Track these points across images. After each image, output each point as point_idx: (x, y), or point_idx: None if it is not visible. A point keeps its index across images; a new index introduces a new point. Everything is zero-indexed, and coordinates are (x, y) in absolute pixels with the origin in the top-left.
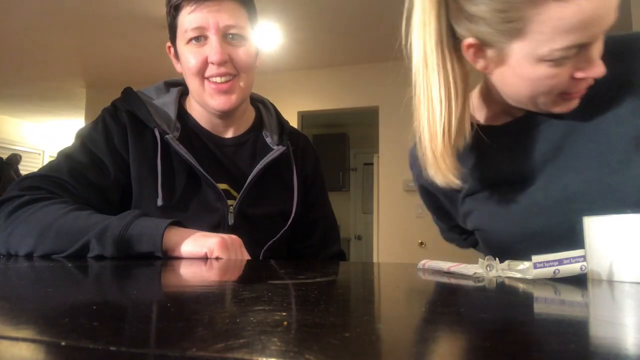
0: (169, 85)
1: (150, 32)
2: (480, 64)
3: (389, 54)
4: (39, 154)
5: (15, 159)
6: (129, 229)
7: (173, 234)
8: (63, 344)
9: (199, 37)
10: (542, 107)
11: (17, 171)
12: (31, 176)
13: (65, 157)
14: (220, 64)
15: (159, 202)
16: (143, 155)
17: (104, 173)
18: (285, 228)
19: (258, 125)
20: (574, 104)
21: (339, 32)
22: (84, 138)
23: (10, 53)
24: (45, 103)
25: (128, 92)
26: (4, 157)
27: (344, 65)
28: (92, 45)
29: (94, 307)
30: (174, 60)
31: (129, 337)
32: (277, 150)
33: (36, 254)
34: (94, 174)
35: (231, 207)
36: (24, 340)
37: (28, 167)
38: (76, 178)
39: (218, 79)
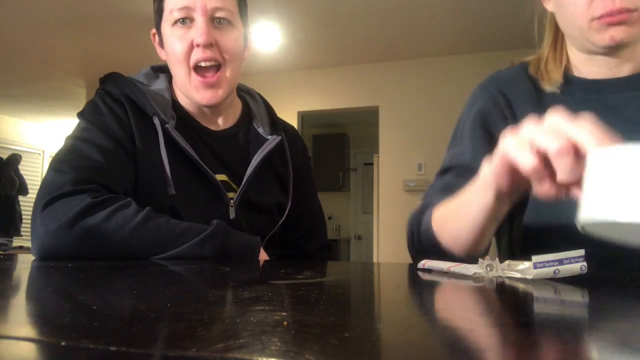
0: (157, 70)
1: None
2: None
3: (389, 54)
4: (39, 154)
5: (15, 159)
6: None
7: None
8: (63, 344)
9: (185, 19)
10: (590, 37)
11: (17, 171)
12: (77, 167)
13: (91, 144)
14: (206, 46)
15: (171, 191)
16: (146, 142)
17: (128, 157)
18: (283, 219)
19: (247, 116)
20: (614, 31)
21: (339, 32)
22: (98, 125)
23: (10, 53)
24: (45, 103)
25: (118, 77)
26: (4, 157)
27: (344, 65)
28: (92, 45)
29: (94, 307)
30: (158, 49)
31: (129, 337)
32: (273, 139)
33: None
34: (122, 160)
35: (231, 200)
36: (24, 340)
37: (28, 167)
38: (113, 166)
39: (203, 64)
